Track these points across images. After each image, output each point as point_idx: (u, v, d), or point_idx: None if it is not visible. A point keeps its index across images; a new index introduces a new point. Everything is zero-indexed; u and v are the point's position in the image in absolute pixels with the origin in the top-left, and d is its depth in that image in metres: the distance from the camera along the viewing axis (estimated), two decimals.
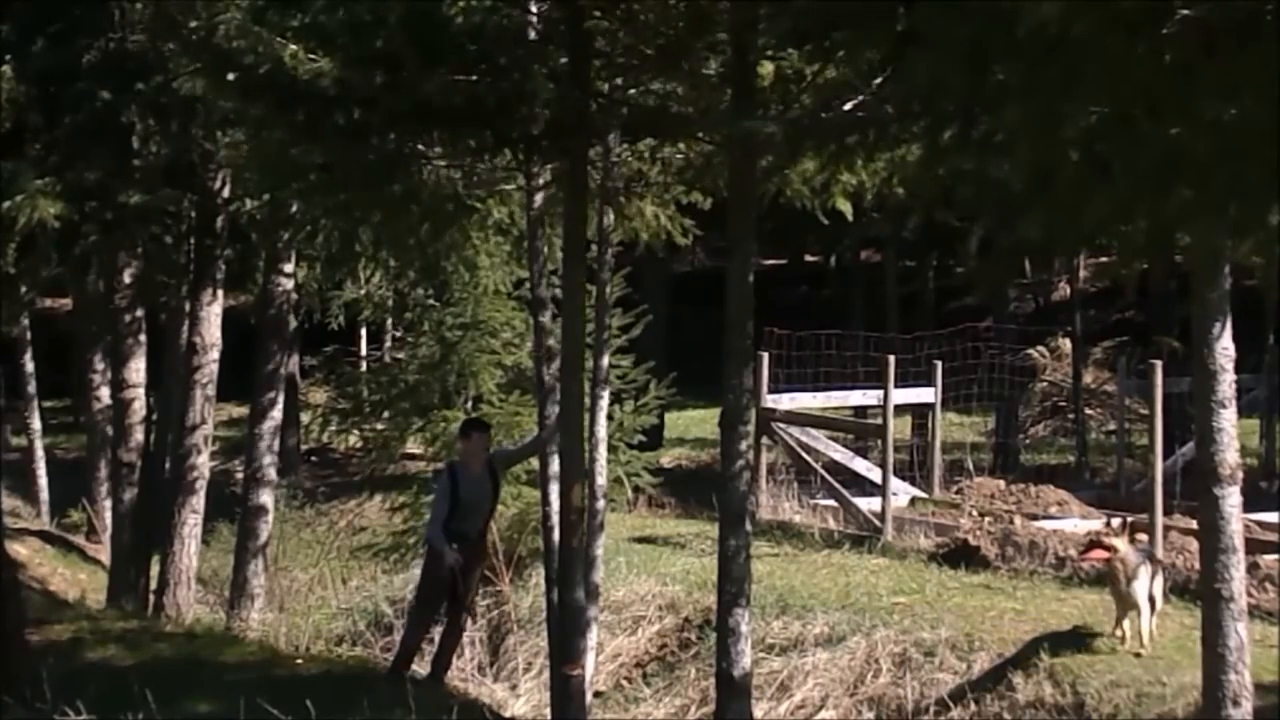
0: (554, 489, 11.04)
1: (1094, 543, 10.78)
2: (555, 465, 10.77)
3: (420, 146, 9.31)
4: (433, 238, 10.24)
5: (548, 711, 10.94)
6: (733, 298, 8.57)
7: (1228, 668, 7.87)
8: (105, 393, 19.32)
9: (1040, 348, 25.18)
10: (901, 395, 15.91)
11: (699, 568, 13.13)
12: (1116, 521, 11.14)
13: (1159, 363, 13.26)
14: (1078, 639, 10.84)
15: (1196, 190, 5.12)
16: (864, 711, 11.16)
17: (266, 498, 16.01)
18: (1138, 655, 10.47)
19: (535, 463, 11.56)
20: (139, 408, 15.64)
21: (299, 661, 11.93)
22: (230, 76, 8.53)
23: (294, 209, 12.02)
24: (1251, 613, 9.11)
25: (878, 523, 14.20)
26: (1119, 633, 10.67)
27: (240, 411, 23.52)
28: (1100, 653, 10.62)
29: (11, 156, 13.81)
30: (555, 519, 10.84)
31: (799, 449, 15.75)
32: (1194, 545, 11.30)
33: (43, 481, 23.18)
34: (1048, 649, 10.74)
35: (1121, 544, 10.57)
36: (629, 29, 8.69)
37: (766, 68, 8.43)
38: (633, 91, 9.26)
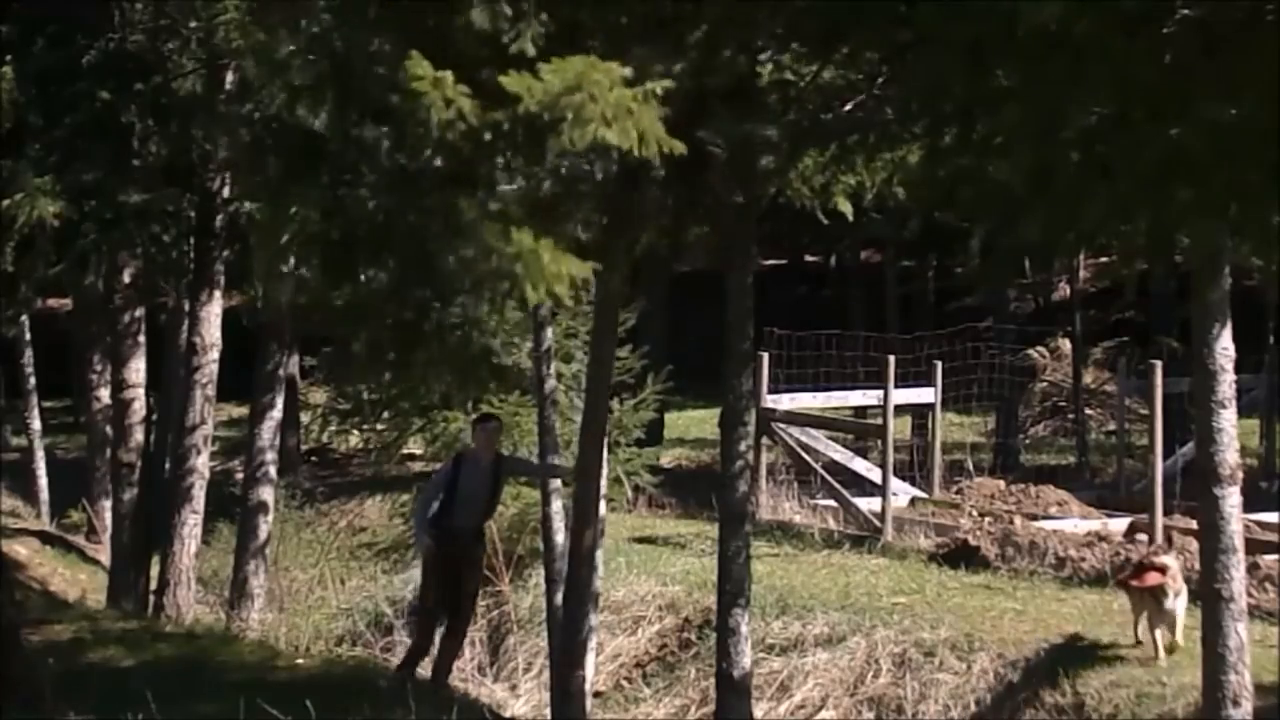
0: (554, 491, 11.05)
1: (1144, 564, 10.52)
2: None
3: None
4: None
5: (548, 711, 10.94)
6: (733, 299, 8.56)
7: (1228, 668, 7.88)
8: (105, 393, 19.27)
9: (1040, 348, 25.16)
10: (901, 395, 15.90)
11: (699, 568, 13.13)
12: (1147, 533, 10.98)
13: (1159, 363, 13.27)
14: (1078, 642, 10.82)
15: (1196, 190, 5.12)
16: (864, 711, 11.16)
17: (266, 498, 15.99)
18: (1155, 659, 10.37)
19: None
20: (139, 408, 15.61)
21: (299, 661, 11.92)
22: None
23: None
24: (1251, 613, 9.12)
25: (878, 523, 14.20)
26: (1145, 642, 10.50)
27: (240, 411, 23.48)
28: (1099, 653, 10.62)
29: (11, 156, 13.79)
30: (556, 521, 10.84)
31: (799, 449, 15.75)
32: (1194, 545, 11.27)
33: (43, 481, 23.12)
34: (1047, 649, 10.74)
35: (1171, 560, 10.42)
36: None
37: (767, 69, 8.40)
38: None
